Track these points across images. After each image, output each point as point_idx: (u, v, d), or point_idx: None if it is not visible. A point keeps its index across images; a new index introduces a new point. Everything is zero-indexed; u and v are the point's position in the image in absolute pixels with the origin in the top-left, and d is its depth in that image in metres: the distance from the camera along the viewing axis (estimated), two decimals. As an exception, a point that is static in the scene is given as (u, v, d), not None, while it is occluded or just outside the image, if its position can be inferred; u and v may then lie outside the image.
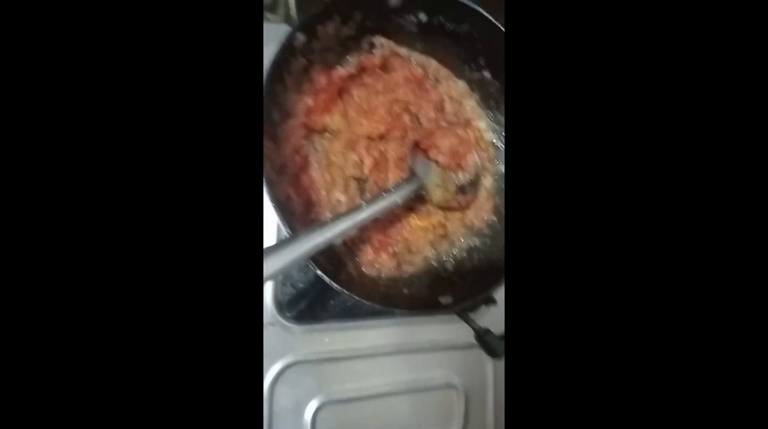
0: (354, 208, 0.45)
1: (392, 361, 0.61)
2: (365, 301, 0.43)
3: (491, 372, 0.66)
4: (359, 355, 0.58)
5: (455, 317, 0.55)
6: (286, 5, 0.43)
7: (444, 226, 0.57)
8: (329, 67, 0.49)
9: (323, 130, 0.50)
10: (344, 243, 0.50)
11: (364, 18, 0.47)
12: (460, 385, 0.64)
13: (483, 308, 0.65)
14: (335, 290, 0.47)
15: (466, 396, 0.64)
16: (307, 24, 0.43)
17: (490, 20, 0.50)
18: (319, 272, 0.41)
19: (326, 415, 0.56)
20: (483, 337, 0.49)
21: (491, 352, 0.50)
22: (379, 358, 0.60)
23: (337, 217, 0.43)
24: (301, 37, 0.43)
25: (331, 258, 0.49)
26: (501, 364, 0.65)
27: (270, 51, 0.41)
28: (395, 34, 0.51)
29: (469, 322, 0.50)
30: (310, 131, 0.49)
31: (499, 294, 0.63)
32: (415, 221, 0.56)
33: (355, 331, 0.58)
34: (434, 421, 0.62)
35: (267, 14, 0.62)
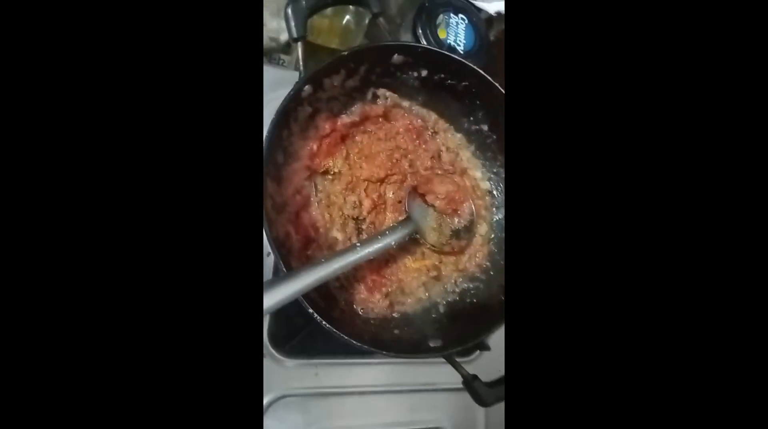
0: (349, 249, 0.45)
1: (382, 400, 0.60)
2: (353, 342, 0.43)
3: (482, 417, 0.64)
4: (349, 392, 0.58)
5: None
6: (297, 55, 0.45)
7: (438, 268, 0.57)
8: (334, 115, 0.51)
9: (325, 172, 0.51)
10: (338, 281, 0.51)
11: (369, 72, 0.50)
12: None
13: (476, 353, 0.64)
14: (331, 318, 0.48)
15: (455, 441, 0.62)
16: (314, 77, 0.45)
17: (489, 79, 0.52)
18: (310, 310, 0.42)
19: (313, 452, 0.55)
20: (470, 384, 0.48)
21: (478, 400, 0.48)
22: (369, 397, 0.59)
23: (332, 256, 0.44)
24: (308, 89, 0.45)
25: (325, 295, 0.49)
26: (494, 409, 0.64)
27: (280, 94, 0.44)
28: (398, 87, 0.54)
29: (457, 367, 0.49)
30: (313, 173, 0.51)
31: (492, 340, 0.63)
32: (409, 262, 0.57)
33: (346, 368, 0.57)
34: (422, 465, 0.60)
35: (282, 56, 0.65)
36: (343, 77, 0.48)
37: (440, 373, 0.62)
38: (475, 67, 0.51)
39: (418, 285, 0.55)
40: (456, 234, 0.57)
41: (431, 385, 0.62)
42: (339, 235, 0.51)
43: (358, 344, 0.43)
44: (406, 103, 0.55)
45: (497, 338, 0.63)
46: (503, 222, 0.58)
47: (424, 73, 0.52)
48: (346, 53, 0.45)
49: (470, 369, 0.50)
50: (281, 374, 0.53)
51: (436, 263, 0.57)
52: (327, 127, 0.50)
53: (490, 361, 0.62)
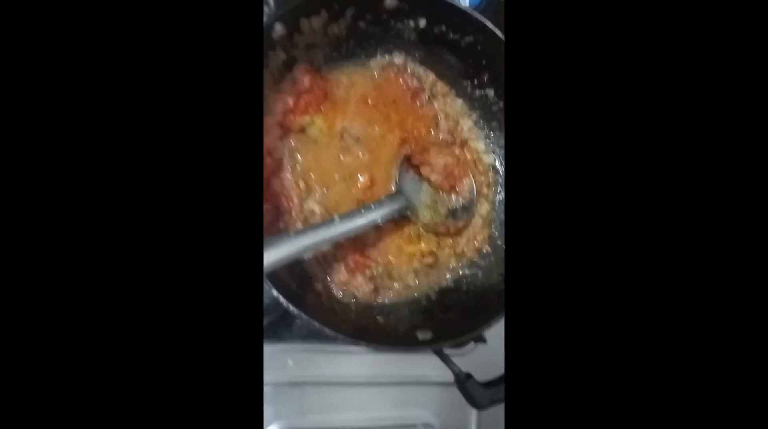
0: (325, 223, 0.38)
1: (365, 393, 0.53)
2: (327, 330, 0.36)
3: (474, 415, 0.58)
4: (327, 383, 0.51)
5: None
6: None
7: (435, 254, 0.49)
8: (315, 68, 0.43)
9: (301, 131, 0.43)
10: (316, 259, 0.44)
11: (357, 18, 0.42)
12: (439, 427, 0.55)
13: (471, 346, 0.57)
14: (304, 302, 0.41)
15: (443, 440, 0.55)
16: (289, 14, 0.37)
17: (497, 34, 0.44)
18: (274, 292, 0.34)
19: (284, 448, 0.48)
20: (463, 384, 0.41)
21: (472, 402, 0.41)
22: (350, 389, 0.52)
23: (303, 231, 0.36)
24: (280, 29, 0.37)
25: (299, 275, 0.42)
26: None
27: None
28: (391, 39, 0.45)
29: (448, 363, 0.42)
30: (287, 131, 0.43)
31: (489, 332, 0.56)
32: (403, 244, 0.49)
33: (323, 356, 0.50)
34: (406, 465, 0.54)
35: None
36: (325, 20, 0.40)
37: (430, 365, 0.55)
38: (482, 19, 0.43)
39: (409, 270, 0.48)
40: (453, 213, 0.49)
41: (420, 378, 0.55)
42: (317, 208, 0.43)
43: (333, 332, 0.36)
44: (399, 60, 0.47)
45: (495, 331, 0.56)
46: (507, 201, 0.51)
47: (422, 23, 0.44)
48: (328, -11, 0.38)
49: (464, 364, 0.43)
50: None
51: (434, 249, 0.49)
52: (306, 81, 0.42)
53: (487, 355, 0.55)
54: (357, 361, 0.52)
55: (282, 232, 0.41)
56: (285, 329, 0.49)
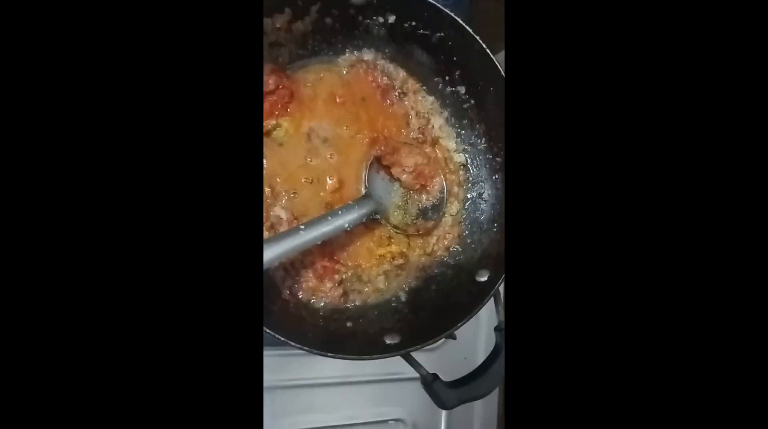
0: (289, 232, 0.37)
1: (338, 394, 0.53)
2: (291, 343, 0.35)
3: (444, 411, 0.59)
4: (301, 386, 0.51)
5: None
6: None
7: (405, 255, 0.49)
8: (280, 67, 0.41)
9: (266, 134, 0.42)
10: (283, 266, 0.42)
11: (323, 14, 0.40)
12: (410, 422, 0.56)
13: (441, 342, 0.58)
14: (271, 311, 0.40)
15: (415, 434, 0.56)
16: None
17: (469, 31, 0.42)
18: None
19: (256, 451, 0.48)
20: (429, 385, 0.41)
21: (439, 402, 0.42)
22: (324, 390, 0.52)
23: (267, 241, 0.35)
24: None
25: (265, 284, 0.41)
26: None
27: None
28: (360, 36, 0.43)
29: (415, 366, 0.42)
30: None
31: (459, 329, 0.57)
32: (372, 246, 0.48)
33: (294, 359, 0.50)
34: (379, 460, 0.55)
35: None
36: (289, 18, 0.38)
37: (402, 363, 0.55)
38: (453, 15, 0.42)
39: (379, 273, 0.47)
40: (423, 213, 0.49)
41: (392, 376, 0.56)
42: (283, 214, 0.42)
43: (297, 346, 0.35)
44: (369, 56, 0.45)
45: (465, 327, 0.56)
46: (477, 201, 0.50)
47: (391, 19, 0.42)
48: (289, -15, 0.35)
49: (433, 360, 0.43)
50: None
51: (404, 250, 0.49)
52: (271, 82, 0.40)
53: (456, 352, 0.55)
54: (329, 363, 0.52)
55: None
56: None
